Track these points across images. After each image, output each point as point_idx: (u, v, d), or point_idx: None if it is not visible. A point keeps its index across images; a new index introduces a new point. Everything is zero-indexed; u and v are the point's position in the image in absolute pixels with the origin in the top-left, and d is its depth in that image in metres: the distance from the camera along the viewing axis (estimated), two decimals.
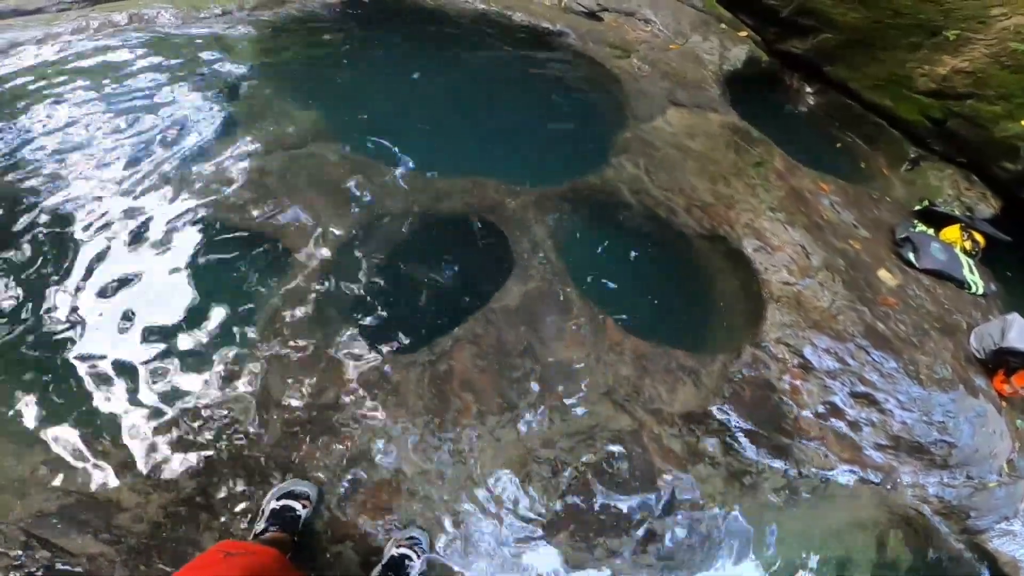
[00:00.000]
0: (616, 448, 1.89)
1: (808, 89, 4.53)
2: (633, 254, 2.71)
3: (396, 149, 2.85)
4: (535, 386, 2.01)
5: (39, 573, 1.33)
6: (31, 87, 2.79)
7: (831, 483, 1.96)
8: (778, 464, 1.95)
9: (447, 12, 4.27)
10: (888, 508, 2.02)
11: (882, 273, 2.90)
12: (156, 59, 3.13)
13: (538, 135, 3.26)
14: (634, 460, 1.87)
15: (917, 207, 3.58)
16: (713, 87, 3.85)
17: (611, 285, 2.52)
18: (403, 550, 1.59)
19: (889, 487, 2.02)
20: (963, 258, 3.12)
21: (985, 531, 2.17)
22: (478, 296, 2.23)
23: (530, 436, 1.88)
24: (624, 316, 2.33)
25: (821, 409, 2.11)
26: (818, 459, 1.98)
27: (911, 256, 3.04)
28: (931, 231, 3.28)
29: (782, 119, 4.29)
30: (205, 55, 3.24)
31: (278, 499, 1.59)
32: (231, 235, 2.25)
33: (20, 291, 1.94)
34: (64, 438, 1.64)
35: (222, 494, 1.62)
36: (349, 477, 1.72)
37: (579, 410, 1.98)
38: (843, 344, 2.37)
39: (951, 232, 3.31)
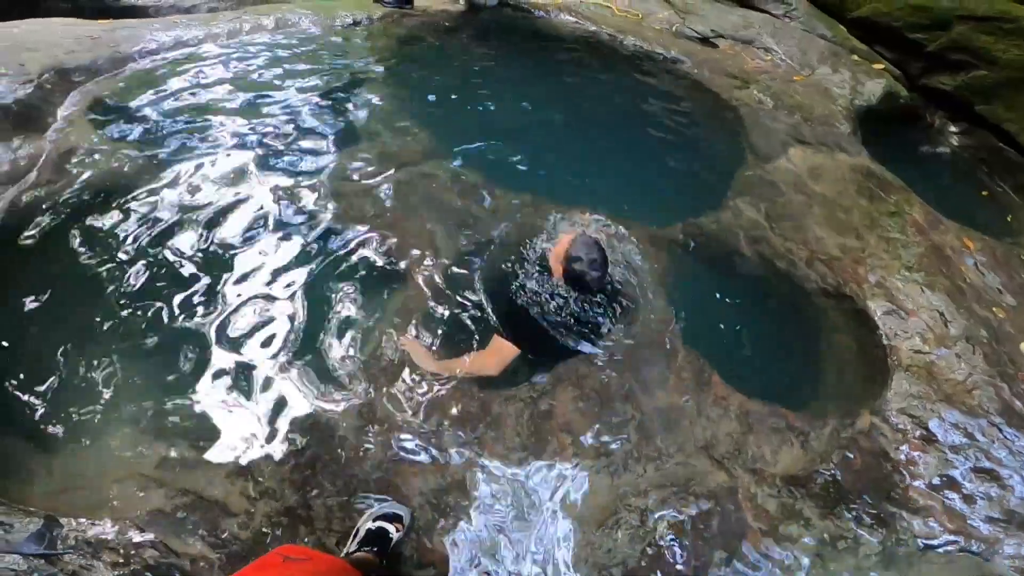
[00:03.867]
0: (709, 504, 1.82)
1: (952, 128, 4.08)
2: (746, 306, 2.51)
3: (505, 173, 2.84)
4: (633, 433, 1.95)
5: (142, 571, 1.38)
6: (189, 83, 3.08)
7: (929, 551, 1.85)
8: (878, 531, 1.84)
9: (560, 33, 4.27)
10: None
11: None
12: (295, 66, 3.35)
13: (650, 167, 3.14)
14: (726, 517, 1.80)
15: None
16: (843, 124, 3.55)
17: (720, 336, 2.35)
18: None
19: (988, 558, 1.89)
20: None
21: None
22: (583, 336, 2.15)
23: (622, 483, 1.84)
24: (731, 369, 2.19)
25: (936, 481, 1.99)
26: (922, 529, 1.87)
27: None
28: None
29: (919, 161, 3.88)
30: (336, 64, 3.43)
31: (374, 520, 1.59)
32: (345, 248, 2.31)
33: (146, 289, 2.09)
34: (186, 437, 1.72)
35: (321, 509, 1.64)
36: (440, 505, 1.71)
37: (675, 462, 1.91)
38: (974, 420, 2.17)
39: None
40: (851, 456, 1.98)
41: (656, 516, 1.77)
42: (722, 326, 2.40)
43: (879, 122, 3.80)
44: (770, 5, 4.58)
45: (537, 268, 2.22)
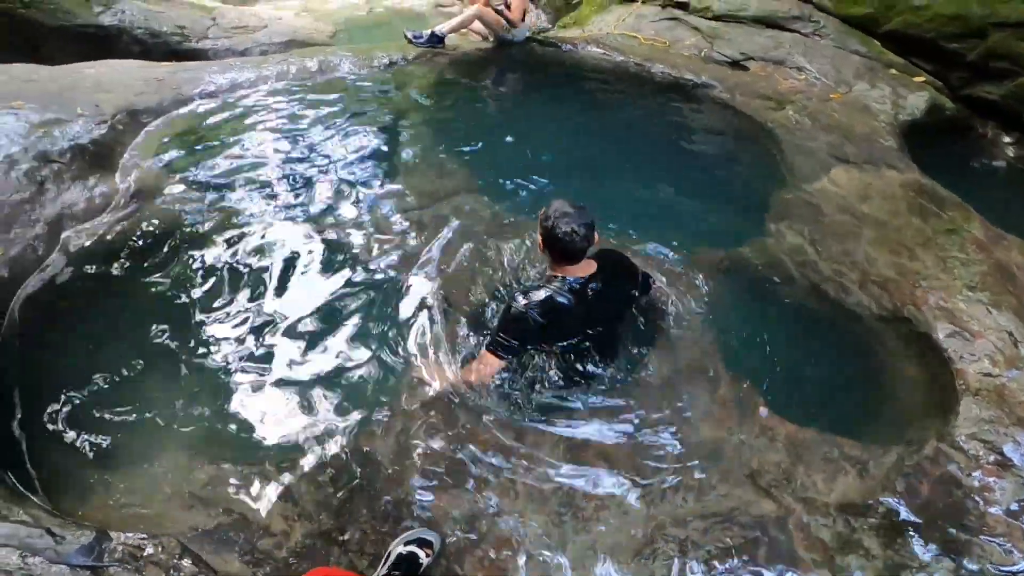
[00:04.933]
0: (754, 533, 1.72)
1: (1006, 139, 3.88)
2: (794, 332, 2.41)
3: (540, 205, 2.86)
4: (672, 463, 1.89)
5: None
6: (241, 124, 3.30)
7: None
8: (947, 560, 1.71)
9: (588, 65, 4.37)
10: None
11: None
12: (337, 106, 3.55)
13: (686, 195, 3.10)
14: (773, 547, 1.69)
15: None
16: (888, 140, 3.43)
17: (767, 364, 2.25)
18: None
19: None
20: None
21: None
22: (621, 366, 2.13)
23: (661, 513, 1.76)
24: (779, 398, 2.09)
25: (1015, 507, 1.84)
26: (998, 555, 1.72)
27: None
28: None
29: (972, 174, 3.70)
30: (375, 103, 3.63)
31: (405, 545, 1.59)
32: (385, 283, 2.38)
33: (202, 322, 2.21)
34: (233, 461, 1.79)
35: (355, 532, 1.64)
36: (473, 531, 1.69)
37: (718, 492, 1.83)
38: None
39: None
40: (917, 483, 1.85)
41: (696, 546, 1.69)
42: (769, 354, 2.30)
43: (925, 136, 3.66)
44: (798, 24, 4.53)
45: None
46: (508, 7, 4.38)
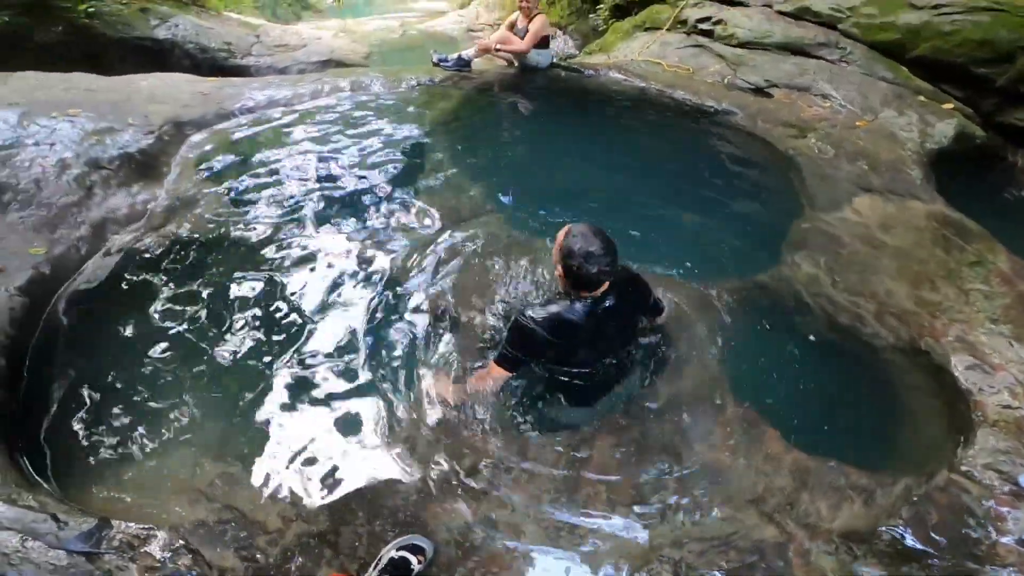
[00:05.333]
0: (753, 558, 1.69)
1: None
2: (806, 362, 2.36)
3: (556, 228, 2.89)
4: (673, 485, 1.88)
5: None
6: (275, 139, 3.46)
7: None
8: None
9: (610, 91, 4.44)
10: None
11: None
12: (366, 125, 3.69)
13: (701, 223, 3.09)
14: (771, 572, 1.67)
15: None
16: (913, 169, 3.35)
17: (776, 393, 2.22)
18: None
19: None
20: None
21: None
22: (626, 388, 2.14)
23: (658, 534, 1.75)
24: (787, 426, 2.06)
25: None
26: None
27: None
28: None
29: (1002, 205, 3.59)
30: (401, 123, 3.75)
31: (397, 550, 1.61)
32: (400, 300, 2.45)
33: (224, 329, 2.30)
34: (240, 461, 1.85)
35: (349, 535, 1.67)
36: (467, 542, 1.70)
37: (718, 515, 1.81)
38: None
39: None
40: (926, 512, 1.81)
41: (691, 568, 1.66)
42: (778, 383, 2.27)
43: (954, 165, 3.56)
44: (824, 51, 4.49)
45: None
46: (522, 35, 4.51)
